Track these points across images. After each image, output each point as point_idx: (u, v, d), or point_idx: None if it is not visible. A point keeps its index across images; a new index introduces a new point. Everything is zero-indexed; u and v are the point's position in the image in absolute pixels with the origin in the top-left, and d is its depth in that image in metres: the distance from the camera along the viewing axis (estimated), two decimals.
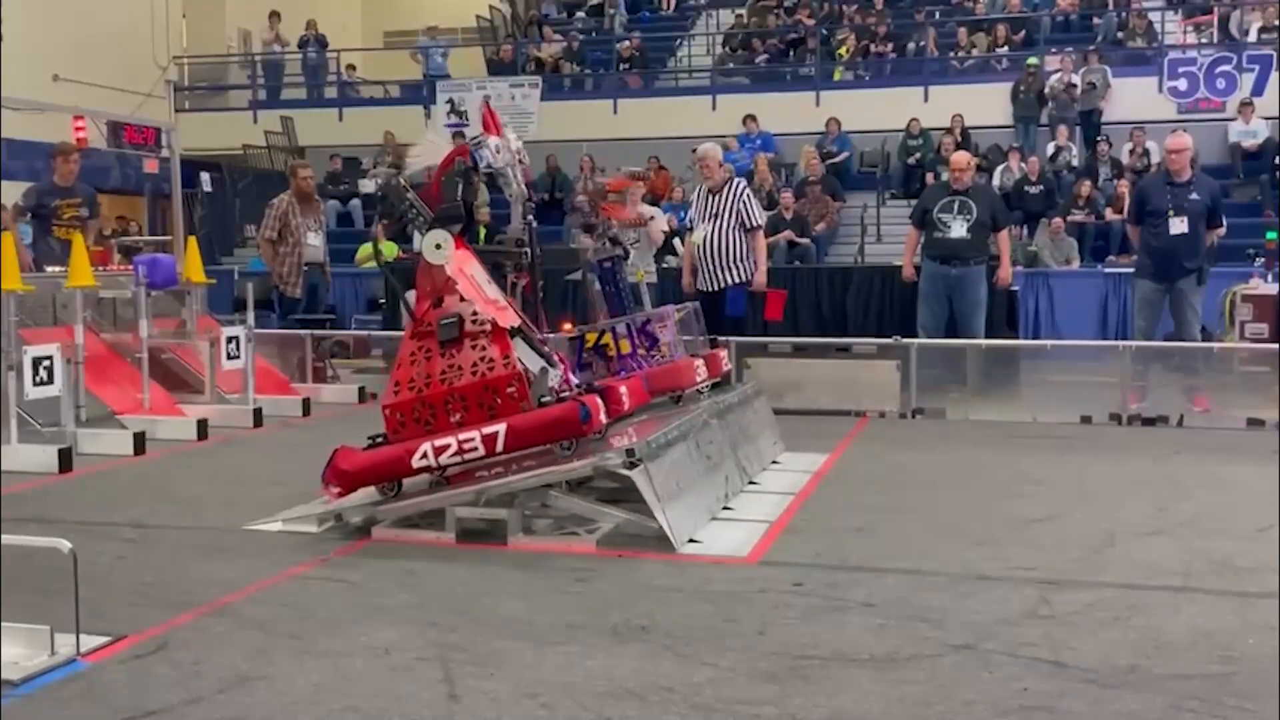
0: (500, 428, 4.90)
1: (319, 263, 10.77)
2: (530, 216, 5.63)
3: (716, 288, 8.95)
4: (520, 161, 5.57)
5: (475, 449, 4.92)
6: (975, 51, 19.33)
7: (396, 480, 5.09)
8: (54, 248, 9.42)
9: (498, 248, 5.73)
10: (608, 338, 6.14)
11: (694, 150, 9.22)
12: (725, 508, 5.47)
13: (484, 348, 5.01)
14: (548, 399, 4.98)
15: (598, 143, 18.14)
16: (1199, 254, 8.88)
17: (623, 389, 5.44)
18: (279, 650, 3.62)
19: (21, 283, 7.24)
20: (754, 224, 8.99)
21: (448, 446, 4.94)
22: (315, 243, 10.64)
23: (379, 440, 5.13)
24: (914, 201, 12.13)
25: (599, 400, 5.08)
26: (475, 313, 5.03)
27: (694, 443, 5.49)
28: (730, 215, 8.90)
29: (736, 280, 8.95)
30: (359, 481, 5.11)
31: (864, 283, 10.75)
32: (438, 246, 5.11)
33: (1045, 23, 19.48)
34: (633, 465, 4.79)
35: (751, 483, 6.05)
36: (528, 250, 5.59)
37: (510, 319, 5.10)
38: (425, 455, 4.95)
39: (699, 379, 6.46)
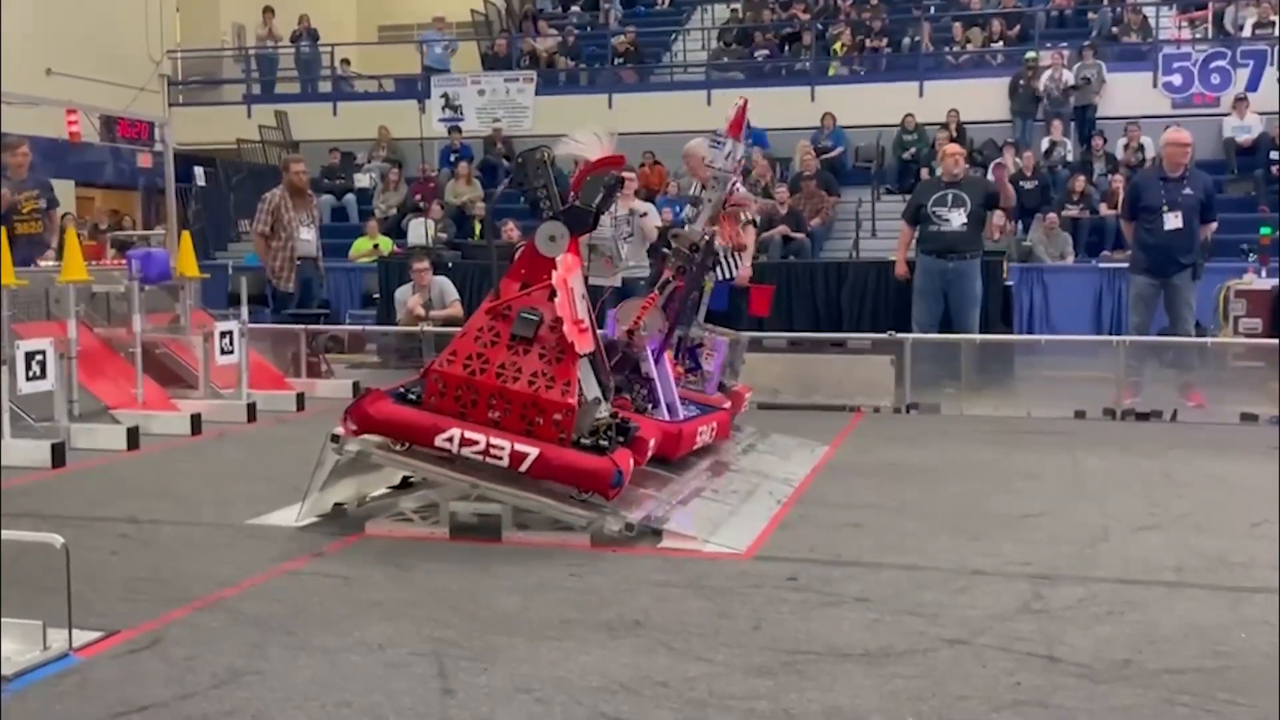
0: (533, 451, 4.77)
1: (312, 257, 10.73)
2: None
3: None
4: (736, 173, 5.70)
5: (501, 459, 4.79)
6: (970, 47, 19.32)
7: (410, 444, 4.97)
8: (21, 244, 9.26)
9: (673, 241, 5.91)
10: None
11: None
12: (724, 505, 5.48)
13: (550, 362, 4.87)
14: (587, 441, 4.86)
15: None
16: (1193, 249, 8.89)
17: (651, 441, 5.30)
18: (273, 645, 3.62)
19: (14, 277, 7.23)
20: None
21: (476, 442, 4.81)
22: (308, 237, 10.61)
23: (411, 395, 4.98)
24: (909, 196, 12.13)
25: (630, 461, 4.97)
26: (557, 321, 4.88)
27: (712, 490, 5.54)
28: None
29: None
30: (377, 429, 4.96)
31: (859, 278, 10.74)
32: (552, 239, 5.03)
33: (1040, 18, 19.49)
34: (628, 532, 4.78)
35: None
36: (697, 258, 5.69)
37: (587, 345, 4.97)
38: (451, 439, 4.83)
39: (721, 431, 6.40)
